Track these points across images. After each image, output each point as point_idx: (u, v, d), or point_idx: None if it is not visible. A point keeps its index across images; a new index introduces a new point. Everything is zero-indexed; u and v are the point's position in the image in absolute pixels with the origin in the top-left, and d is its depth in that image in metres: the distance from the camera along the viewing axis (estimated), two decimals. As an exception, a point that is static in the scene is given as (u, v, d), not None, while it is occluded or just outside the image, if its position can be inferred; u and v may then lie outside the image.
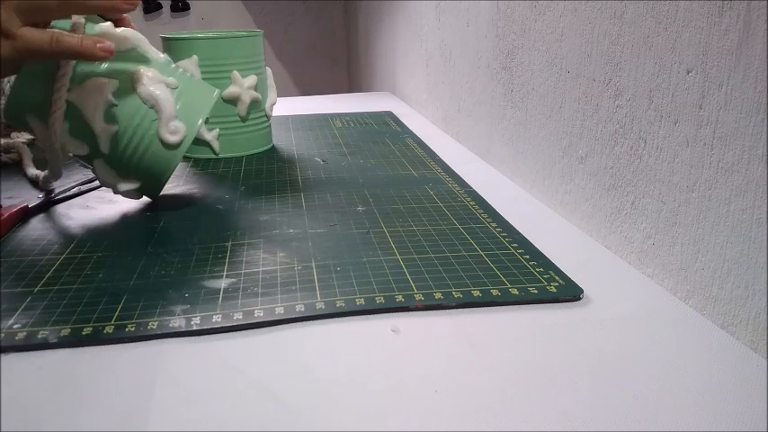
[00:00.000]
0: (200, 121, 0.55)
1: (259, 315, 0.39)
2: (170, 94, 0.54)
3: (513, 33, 0.66)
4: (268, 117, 0.80)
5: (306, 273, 0.45)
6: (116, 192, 0.57)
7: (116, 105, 0.53)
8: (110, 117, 0.53)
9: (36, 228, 0.54)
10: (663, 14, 0.42)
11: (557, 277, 0.44)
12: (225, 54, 0.73)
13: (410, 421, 0.30)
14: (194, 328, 0.38)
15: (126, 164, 0.54)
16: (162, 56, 0.58)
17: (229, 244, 0.50)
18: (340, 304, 0.40)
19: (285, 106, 1.13)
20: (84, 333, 0.37)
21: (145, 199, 0.60)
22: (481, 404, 0.31)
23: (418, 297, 0.41)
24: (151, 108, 0.53)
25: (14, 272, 0.45)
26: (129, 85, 0.53)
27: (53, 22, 0.52)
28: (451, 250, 0.48)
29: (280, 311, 0.40)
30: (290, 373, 0.34)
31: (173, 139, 0.53)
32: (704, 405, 0.31)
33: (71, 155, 0.55)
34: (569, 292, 0.42)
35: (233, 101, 0.74)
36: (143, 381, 0.33)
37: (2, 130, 0.81)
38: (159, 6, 1.95)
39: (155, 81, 0.54)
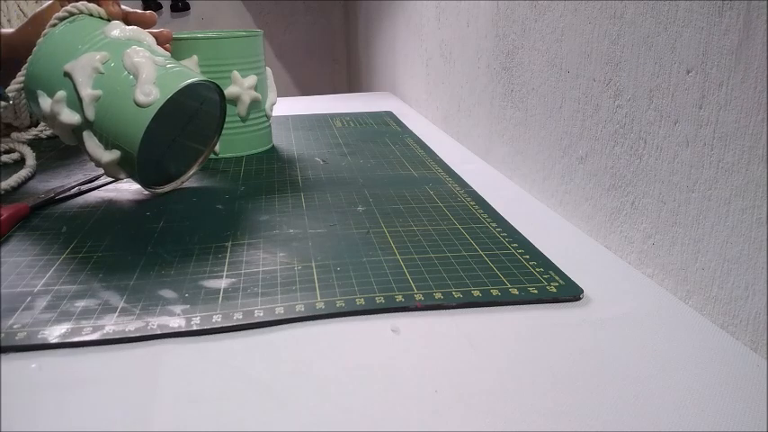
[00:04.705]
0: (177, 89, 0.57)
1: (259, 315, 0.39)
2: (153, 66, 0.57)
3: (513, 33, 0.66)
4: (268, 117, 0.80)
5: (306, 273, 0.45)
6: (103, 168, 0.59)
7: (103, 74, 0.57)
8: (96, 84, 0.57)
9: (36, 228, 0.54)
10: (663, 14, 0.42)
11: (557, 277, 0.44)
12: (225, 54, 0.73)
13: (410, 421, 0.30)
14: (194, 328, 0.38)
15: (107, 129, 0.57)
16: (165, 52, 0.61)
17: (229, 244, 0.50)
18: (340, 304, 0.40)
19: (285, 106, 1.13)
20: (84, 333, 0.37)
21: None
22: (481, 404, 0.31)
23: (418, 297, 0.41)
24: (132, 76, 0.56)
25: (14, 272, 0.45)
26: (119, 58, 0.58)
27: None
28: (451, 250, 0.48)
29: (280, 311, 0.40)
30: (290, 373, 0.34)
31: (144, 99, 0.55)
32: (704, 405, 0.31)
33: (65, 122, 0.58)
34: (569, 292, 0.42)
35: (233, 101, 0.74)
36: (143, 381, 0.34)
37: (2, 129, 0.81)
38: (159, 6, 1.95)
39: (142, 55, 0.57)
